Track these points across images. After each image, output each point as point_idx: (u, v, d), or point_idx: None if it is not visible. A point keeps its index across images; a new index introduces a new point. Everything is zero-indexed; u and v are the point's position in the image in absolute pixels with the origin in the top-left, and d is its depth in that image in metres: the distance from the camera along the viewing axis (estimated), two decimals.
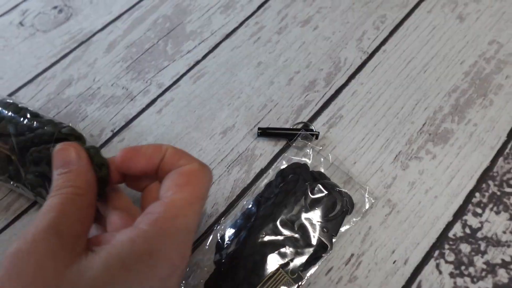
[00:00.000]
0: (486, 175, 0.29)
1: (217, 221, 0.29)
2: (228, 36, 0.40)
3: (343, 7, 0.40)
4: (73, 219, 0.18)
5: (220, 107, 0.35)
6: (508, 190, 0.28)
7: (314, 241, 0.27)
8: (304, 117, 0.33)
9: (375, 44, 0.37)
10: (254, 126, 0.34)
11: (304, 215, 0.28)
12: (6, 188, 0.33)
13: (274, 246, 0.27)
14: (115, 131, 0.35)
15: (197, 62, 0.38)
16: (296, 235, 0.27)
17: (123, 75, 0.39)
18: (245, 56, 0.38)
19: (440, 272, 0.26)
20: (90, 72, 0.39)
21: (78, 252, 0.17)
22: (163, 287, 0.18)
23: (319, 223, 0.27)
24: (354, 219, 0.28)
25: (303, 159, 0.31)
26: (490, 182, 0.29)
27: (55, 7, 0.44)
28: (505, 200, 0.28)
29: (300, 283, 0.26)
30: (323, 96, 0.34)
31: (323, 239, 0.27)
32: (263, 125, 0.33)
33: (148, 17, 0.42)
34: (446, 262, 0.26)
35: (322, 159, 0.31)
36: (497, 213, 0.28)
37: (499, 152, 0.30)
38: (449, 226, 0.28)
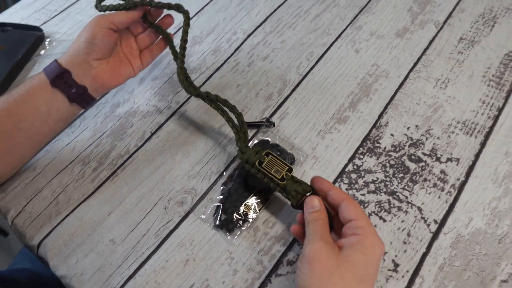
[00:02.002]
0: (366, 138, 0.53)
1: (221, 174, 0.52)
2: (217, 69, 0.63)
3: (288, 47, 0.64)
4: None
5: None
6: (376, 145, 0.52)
7: None
8: (266, 115, 0.57)
9: (307, 69, 0.61)
10: None
11: None
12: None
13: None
14: (152, 131, 0.58)
15: (200, 87, 0.62)
16: None
17: (153, 97, 0.62)
18: (229, 81, 0.61)
19: (341, 182, 0.50)
20: (131, 97, 0.62)
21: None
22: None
23: None
24: (296, 167, 0.52)
25: (266, 138, 0.54)
26: (368, 142, 0.53)
27: None
28: (375, 150, 0.52)
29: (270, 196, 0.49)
30: (277, 102, 0.58)
31: None
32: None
33: (163, 60, 0.66)
34: (343, 183, 0.50)
35: (277, 137, 0.54)
36: (370, 157, 0.52)
37: (374, 126, 0.54)
38: (346, 166, 0.51)
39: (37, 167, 0.56)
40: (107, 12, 0.53)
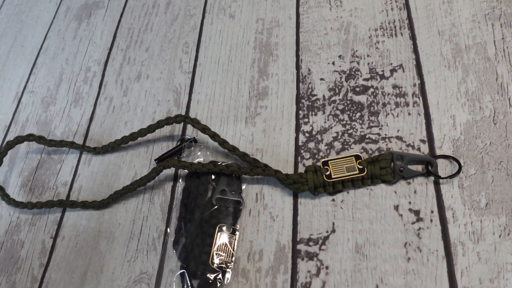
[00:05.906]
0: (298, 98, 0.44)
1: (165, 232, 0.39)
2: (91, 120, 0.49)
3: (156, 52, 0.52)
4: None
5: (119, 165, 0.44)
6: (314, 99, 0.43)
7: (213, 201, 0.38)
8: (177, 134, 0.45)
9: (192, 63, 0.50)
10: (151, 161, 0.44)
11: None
12: None
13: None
14: (53, 235, 0.42)
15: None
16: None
17: (28, 196, 0.46)
18: (112, 124, 0.48)
19: (302, 159, 0.40)
20: (2, 210, 0.45)
21: None
22: None
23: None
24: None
25: (197, 160, 0.42)
26: (303, 100, 0.43)
27: None
28: (315, 105, 0.43)
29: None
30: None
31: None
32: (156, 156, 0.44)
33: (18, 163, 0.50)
34: (306, 159, 0.40)
35: (207, 153, 0.42)
36: (315, 115, 0.42)
37: (298, 80, 0.45)
38: (296, 139, 0.41)
39: None
40: None
